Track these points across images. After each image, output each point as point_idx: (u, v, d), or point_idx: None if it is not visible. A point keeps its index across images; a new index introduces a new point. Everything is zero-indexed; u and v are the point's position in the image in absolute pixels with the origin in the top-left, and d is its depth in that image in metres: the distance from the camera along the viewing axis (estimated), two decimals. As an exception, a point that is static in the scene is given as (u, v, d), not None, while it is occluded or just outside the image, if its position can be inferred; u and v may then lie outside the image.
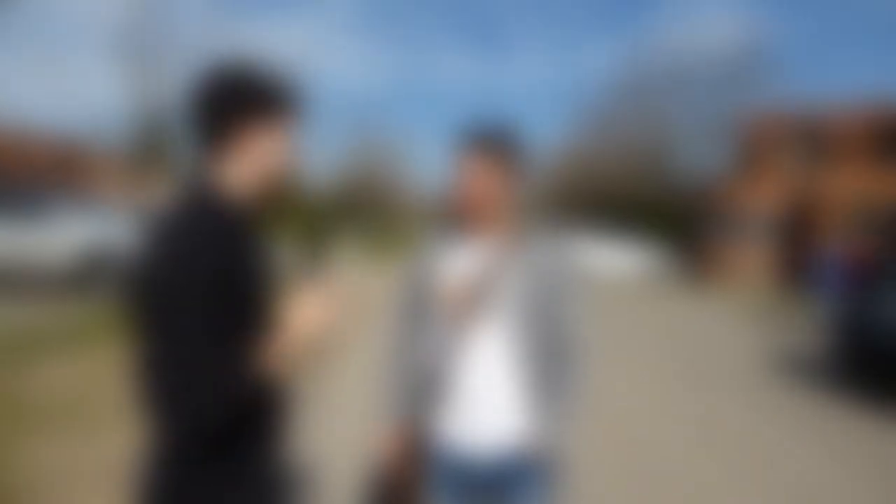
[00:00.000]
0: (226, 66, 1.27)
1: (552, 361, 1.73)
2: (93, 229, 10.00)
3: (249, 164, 1.26)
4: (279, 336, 1.20)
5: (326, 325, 1.23)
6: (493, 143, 1.72)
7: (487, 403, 1.71)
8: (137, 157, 20.30)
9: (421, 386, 1.80)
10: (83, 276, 9.88)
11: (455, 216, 1.80)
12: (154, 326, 1.13)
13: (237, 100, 1.24)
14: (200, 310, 1.09)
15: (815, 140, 22.50)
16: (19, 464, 3.51)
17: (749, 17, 50.72)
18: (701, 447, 4.59)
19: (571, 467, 3.98)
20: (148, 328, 1.15)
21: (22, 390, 4.83)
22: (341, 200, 41.49)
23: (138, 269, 1.17)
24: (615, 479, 3.90)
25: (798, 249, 21.36)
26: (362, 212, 43.69)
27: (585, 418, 5.00)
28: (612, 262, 23.75)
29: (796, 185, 22.09)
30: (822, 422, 5.46)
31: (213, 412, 1.08)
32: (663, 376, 6.97)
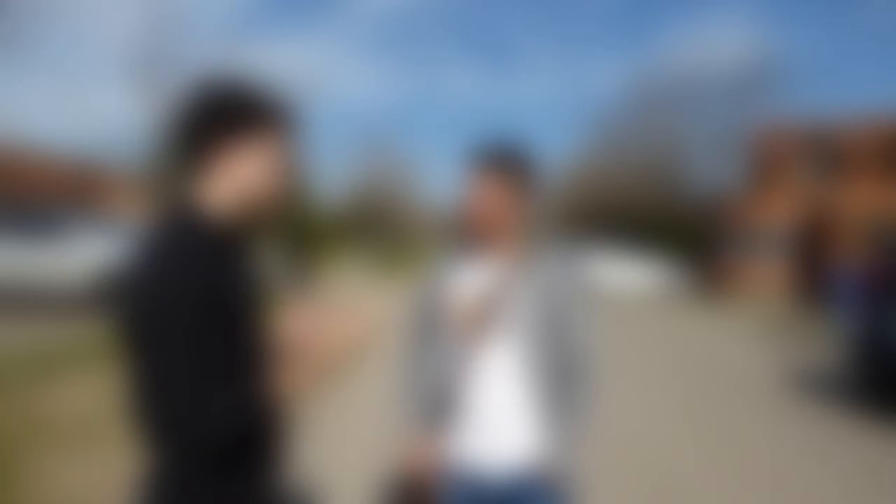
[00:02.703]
0: (208, 84, 1.24)
1: (564, 378, 1.73)
2: (108, 249, 10.10)
3: (236, 181, 1.23)
4: (294, 356, 1.16)
5: (351, 348, 1.18)
6: (504, 162, 1.73)
7: (499, 421, 1.71)
8: (152, 177, 20.53)
9: (434, 404, 1.80)
10: (98, 296, 9.96)
11: (466, 234, 1.81)
12: (140, 348, 1.12)
13: (219, 116, 1.21)
14: (182, 331, 1.06)
15: (828, 153, 22.37)
16: (33, 483, 3.53)
17: (759, 30, 50.77)
18: (714, 463, 4.53)
19: (584, 484, 3.94)
20: (135, 350, 1.13)
21: (37, 409, 4.87)
22: (352, 217, 41.66)
23: (125, 290, 1.16)
24: (628, 495, 3.86)
25: (812, 264, 21.16)
26: (373, 229, 43.82)
27: (598, 435, 4.96)
28: (625, 277, 23.63)
29: (810, 199, 21.93)
30: (837, 438, 5.38)
31: (207, 433, 1.06)
32: (676, 393, 6.90)
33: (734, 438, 5.24)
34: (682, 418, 5.84)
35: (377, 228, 44.53)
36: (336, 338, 1.17)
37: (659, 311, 17.06)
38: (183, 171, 1.26)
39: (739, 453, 4.83)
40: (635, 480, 4.15)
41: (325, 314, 1.19)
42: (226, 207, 1.23)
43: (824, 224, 21.08)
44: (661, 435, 5.25)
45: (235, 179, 1.23)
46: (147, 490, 1.18)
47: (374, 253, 38.99)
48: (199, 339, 1.08)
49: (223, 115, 1.22)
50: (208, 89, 1.24)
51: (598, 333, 1.78)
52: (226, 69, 1.29)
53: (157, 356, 1.08)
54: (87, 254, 9.98)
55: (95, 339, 7.66)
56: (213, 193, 1.23)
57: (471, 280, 1.78)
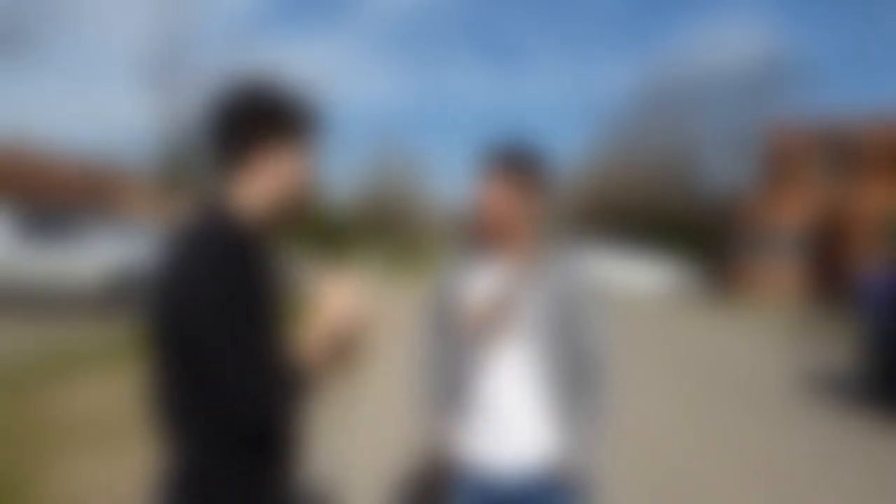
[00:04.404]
0: (242, 85, 1.27)
1: (576, 380, 1.72)
2: (122, 250, 10.18)
3: (265, 183, 1.26)
4: (310, 328, 1.19)
5: (359, 313, 1.20)
6: (515, 163, 1.72)
7: (512, 421, 1.71)
8: (166, 178, 20.70)
9: (450, 404, 1.81)
10: (113, 297, 10.05)
11: (478, 235, 1.80)
12: (169, 345, 1.14)
13: (253, 118, 1.24)
14: (214, 326, 1.09)
15: (842, 153, 22.14)
16: (50, 482, 3.56)
17: (771, 29, 50.41)
18: (725, 466, 4.49)
19: (597, 487, 3.92)
20: (163, 347, 1.15)
21: (53, 410, 4.90)
22: (362, 218, 41.79)
23: (154, 289, 1.18)
24: (641, 499, 3.83)
25: (826, 265, 20.94)
26: (383, 230, 43.94)
27: (610, 437, 4.92)
28: (637, 278, 23.52)
29: (825, 199, 21.72)
30: (854, 442, 5.31)
31: (253, 416, 1.10)
32: (689, 395, 6.85)
33: (745, 441, 5.18)
34: (694, 421, 5.78)
35: (389, 229, 44.64)
36: (340, 308, 1.19)
37: (671, 312, 16.95)
38: (212, 172, 1.29)
39: (750, 456, 4.78)
40: (648, 483, 4.11)
41: (353, 290, 1.22)
42: (256, 208, 1.26)
43: (839, 224, 20.86)
44: (673, 438, 5.21)
45: (266, 180, 1.26)
46: (170, 486, 1.19)
47: (385, 253, 39.09)
48: (232, 331, 1.11)
49: (259, 118, 1.25)
50: (242, 92, 1.26)
51: (610, 334, 1.76)
52: (255, 73, 1.31)
53: (193, 348, 1.11)
54: (101, 255, 10.07)
55: (109, 340, 7.72)
56: (245, 194, 1.26)
57: (483, 281, 1.78)
